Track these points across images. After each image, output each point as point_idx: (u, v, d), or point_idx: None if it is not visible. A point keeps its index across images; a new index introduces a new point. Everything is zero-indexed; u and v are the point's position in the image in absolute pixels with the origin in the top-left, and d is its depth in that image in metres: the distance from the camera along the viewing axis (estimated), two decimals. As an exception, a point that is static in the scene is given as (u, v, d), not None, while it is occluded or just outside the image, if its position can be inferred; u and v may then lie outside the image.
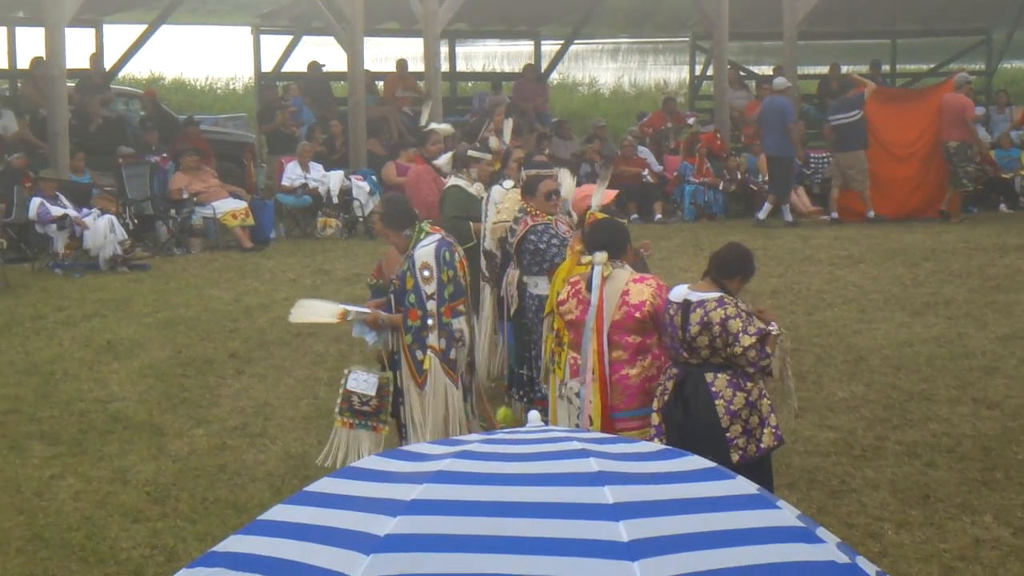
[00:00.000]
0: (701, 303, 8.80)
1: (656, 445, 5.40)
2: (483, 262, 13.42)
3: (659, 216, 25.27)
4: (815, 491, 10.79)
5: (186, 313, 17.40)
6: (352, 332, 10.64)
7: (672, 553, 4.59)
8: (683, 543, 4.64)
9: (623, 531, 4.60)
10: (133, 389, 13.97)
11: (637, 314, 9.17)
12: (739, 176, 26.10)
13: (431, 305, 10.07)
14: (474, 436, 5.39)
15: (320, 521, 4.77)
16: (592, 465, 4.89)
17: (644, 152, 26.58)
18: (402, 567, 4.51)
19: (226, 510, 10.54)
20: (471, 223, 13.78)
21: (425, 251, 10.15)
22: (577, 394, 9.37)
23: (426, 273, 10.08)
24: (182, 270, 20.61)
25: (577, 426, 9.13)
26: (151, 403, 13.50)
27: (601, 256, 9.22)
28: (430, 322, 10.07)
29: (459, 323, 10.27)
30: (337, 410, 10.48)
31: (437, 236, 10.31)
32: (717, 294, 8.86)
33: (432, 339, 10.10)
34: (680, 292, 8.97)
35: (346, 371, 10.54)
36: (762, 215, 24.45)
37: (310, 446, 11.86)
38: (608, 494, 4.73)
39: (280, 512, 4.99)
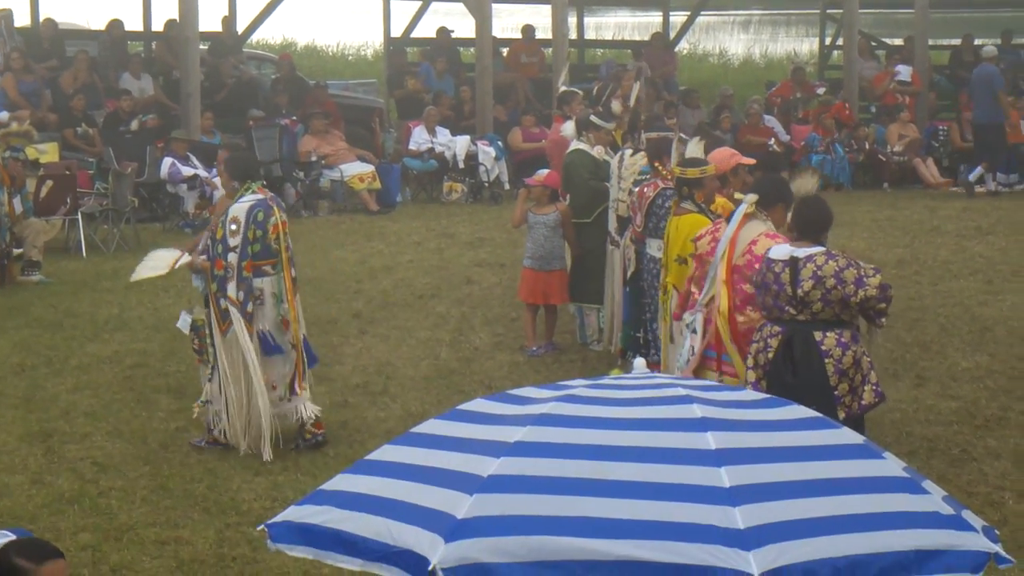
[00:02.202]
0: (810, 258, 8.81)
1: (760, 394, 5.41)
2: (611, 226, 13.43)
3: (786, 185, 25.01)
4: (935, 459, 10.71)
5: (312, 273, 17.54)
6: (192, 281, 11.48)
7: (773, 500, 4.61)
8: (785, 490, 4.66)
9: (725, 477, 4.63)
10: (257, 346, 14.14)
11: (756, 265, 9.27)
12: (867, 146, 25.84)
13: (231, 257, 10.69)
14: (579, 381, 5.43)
15: (425, 461, 4.85)
16: (696, 411, 4.92)
17: (771, 121, 26.38)
18: (505, 507, 4.57)
19: (345, 465, 10.58)
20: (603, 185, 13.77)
21: (239, 207, 10.78)
22: (690, 327, 9.54)
23: (233, 227, 10.71)
24: (309, 231, 20.78)
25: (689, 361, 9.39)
26: (275, 360, 13.65)
27: (751, 197, 9.48)
28: (229, 273, 10.69)
29: (261, 282, 10.82)
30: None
31: (259, 196, 10.88)
32: (821, 248, 8.91)
33: (231, 289, 10.74)
34: (784, 250, 8.99)
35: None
36: (972, 177, 24.25)
37: (430, 405, 11.95)
38: (711, 440, 4.76)
39: (387, 452, 5.07)
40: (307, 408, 11.12)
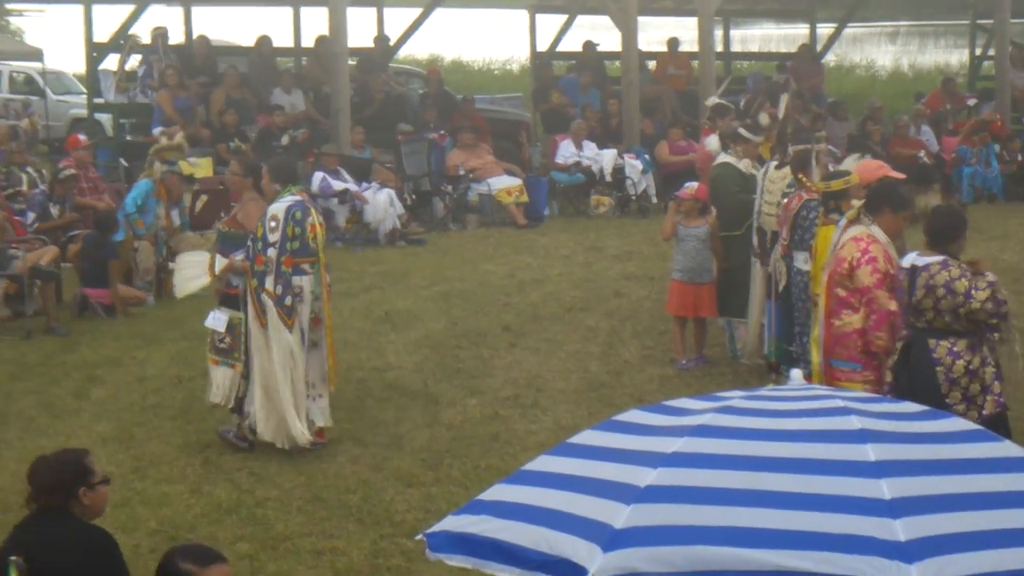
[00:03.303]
0: (926, 267, 8.98)
1: (919, 406, 5.37)
2: (755, 239, 13.38)
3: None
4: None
5: (461, 286, 17.68)
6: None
7: (935, 512, 4.57)
8: (947, 503, 4.62)
9: (885, 488, 4.60)
10: (409, 359, 14.27)
11: (839, 269, 9.60)
12: (1020, 158, 25.44)
13: (271, 252, 11.14)
14: (736, 392, 5.43)
15: (582, 472, 4.87)
16: (854, 423, 4.90)
17: (925, 133, 26.08)
18: (662, 518, 4.58)
19: (497, 478, 10.59)
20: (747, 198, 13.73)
21: (277, 206, 11.27)
22: None
23: (272, 224, 11.18)
24: (457, 245, 20.93)
25: None
26: (426, 373, 13.77)
27: (855, 203, 9.64)
28: (268, 267, 11.13)
29: (300, 280, 11.23)
30: (207, 348, 11.74)
31: (296, 198, 11.36)
32: (940, 257, 9.02)
33: (269, 283, 11.16)
34: (909, 258, 9.18)
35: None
36: None
37: (581, 418, 11.96)
38: (870, 452, 4.73)
39: (544, 463, 5.10)
40: (322, 415, 11.52)
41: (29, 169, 19.90)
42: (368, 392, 13.11)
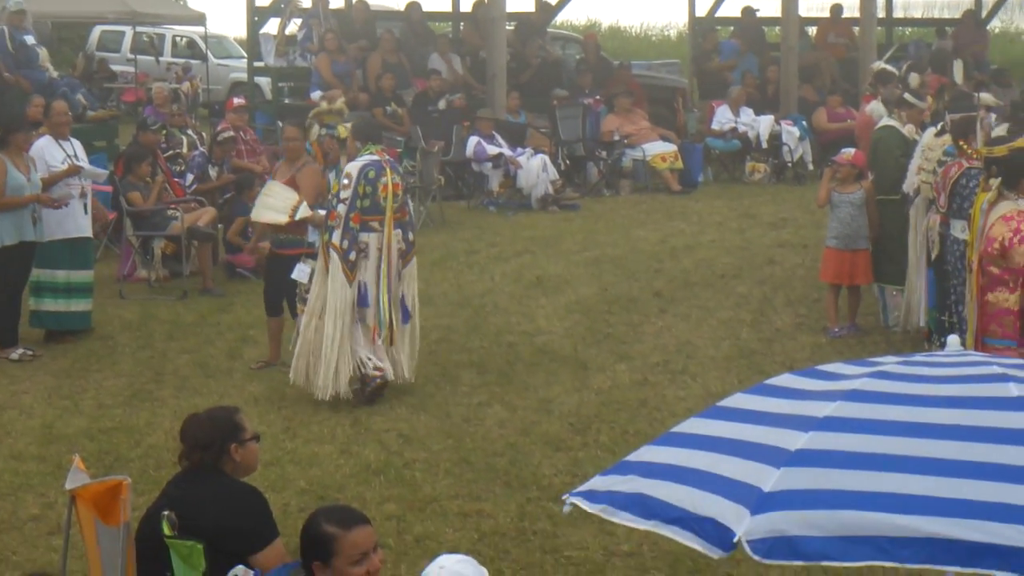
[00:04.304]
0: None
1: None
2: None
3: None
4: None
5: (613, 252, 17.62)
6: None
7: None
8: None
9: (1042, 457, 4.48)
10: (559, 324, 14.24)
11: (989, 248, 9.56)
12: None
13: (341, 208, 11.47)
14: (890, 357, 5.32)
15: (732, 434, 4.80)
16: (1011, 390, 4.77)
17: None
18: (813, 482, 4.50)
19: (645, 443, 10.56)
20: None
21: (353, 164, 11.64)
22: None
23: (345, 181, 11.54)
24: (610, 210, 20.86)
25: None
26: (576, 338, 13.73)
27: (994, 182, 9.46)
28: (338, 222, 11.46)
29: (367, 237, 11.53)
30: (296, 298, 12.20)
31: (374, 157, 11.67)
32: None
33: (336, 237, 11.52)
34: None
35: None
36: None
37: (731, 385, 11.83)
38: (1028, 419, 4.61)
39: (693, 425, 5.04)
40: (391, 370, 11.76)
41: (189, 131, 20.12)
42: (518, 356, 13.10)
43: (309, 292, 11.89)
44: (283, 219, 12.43)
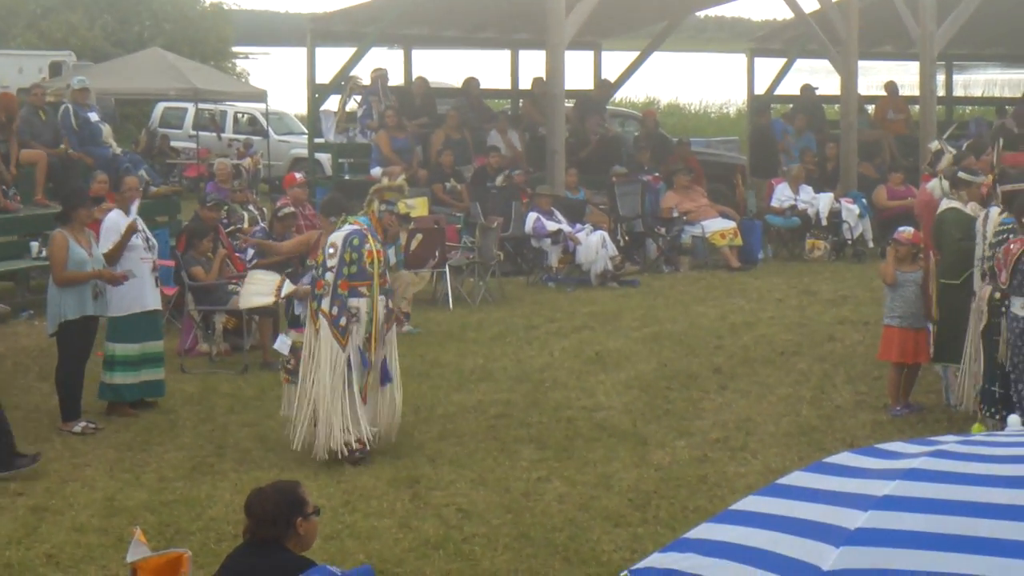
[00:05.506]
0: None
1: None
2: (976, 286, 13.08)
3: None
4: None
5: (672, 328, 17.62)
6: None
7: None
8: None
9: (1106, 539, 4.45)
10: (619, 399, 14.24)
11: None
12: None
13: (329, 276, 11.99)
14: (950, 436, 5.31)
15: (790, 512, 4.79)
16: (1075, 470, 4.75)
17: None
18: (872, 561, 4.49)
19: (705, 519, 10.56)
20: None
21: (337, 235, 12.17)
22: None
23: (331, 250, 12.07)
24: (670, 287, 20.88)
25: None
26: (635, 413, 13.73)
27: None
28: (326, 290, 11.97)
29: (357, 302, 12.03)
30: (280, 369, 12.96)
31: (354, 227, 12.19)
32: None
33: (325, 304, 12.00)
34: None
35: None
36: None
37: (791, 462, 11.80)
38: (1092, 501, 4.58)
39: (751, 503, 5.04)
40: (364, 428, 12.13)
41: (250, 207, 20.32)
42: (577, 431, 13.10)
43: (289, 362, 12.53)
44: (270, 300, 13.31)
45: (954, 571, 4.43)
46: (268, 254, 17.04)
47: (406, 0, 25.59)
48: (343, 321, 11.96)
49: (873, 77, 37.86)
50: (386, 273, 12.49)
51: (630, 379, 15.03)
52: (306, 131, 29.49)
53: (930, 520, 4.59)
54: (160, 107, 35.63)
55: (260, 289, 13.33)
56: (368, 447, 12.12)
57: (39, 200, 20.15)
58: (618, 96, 32.76)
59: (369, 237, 12.22)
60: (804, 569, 4.55)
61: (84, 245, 13.15)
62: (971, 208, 13.76)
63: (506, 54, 29.52)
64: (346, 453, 11.98)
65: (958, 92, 37.42)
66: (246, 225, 18.95)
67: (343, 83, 25.59)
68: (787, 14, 28.81)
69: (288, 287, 12.97)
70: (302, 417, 12.08)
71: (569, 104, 25.73)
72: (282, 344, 12.79)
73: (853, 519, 4.61)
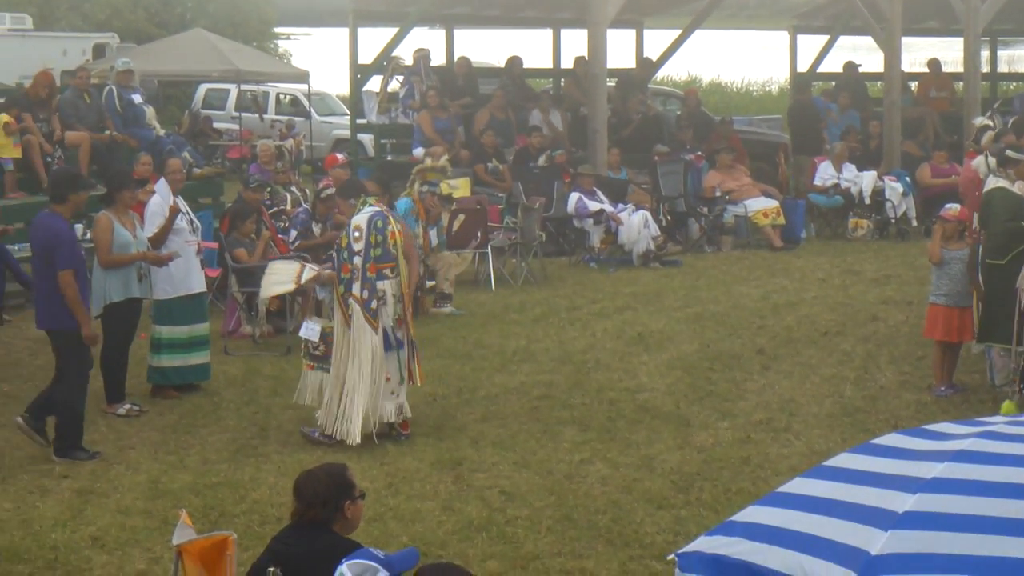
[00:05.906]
0: None
1: None
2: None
3: None
4: None
5: (715, 308, 17.57)
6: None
7: None
8: None
9: None
10: (661, 380, 14.21)
11: None
12: None
13: (356, 260, 12.02)
14: (999, 418, 5.27)
15: (837, 495, 4.76)
16: (1125, 451, 4.70)
17: None
18: (921, 545, 4.45)
19: (748, 501, 10.46)
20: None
21: (360, 217, 12.13)
22: None
23: (356, 234, 12.06)
24: (712, 267, 20.82)
25: None
26: (678, 395, 13.69)
27: None
28: (355, 275, 11.97)
29: (384, 284, 12.05)
30: (301, 354, 12.63)
31: (376, 208, 12.20)
32: None
33: (355, 288, 12.03)
34: None
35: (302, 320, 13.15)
36: None
37: (834, 443, 11.76)
38: None
39: (798, 485, 5.01)
40: (404, 408, 12.28)
41: (293, 188, 20.36)
42: (620, 413, 13.07)
43: (317, 348, 12.41)
44: (290, 287, 13.22)
45: (1005, 554, 4.39)
46: (309, 236, 17.09)
47: (447, -20, 25.57)
48: (374, 304, 11.98)
49: (916, 53, 37.63)
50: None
51: (672, 360, 15.00)
52: (348, 112, 29.51)
53: (979, 502, 4.55)
54: (203, 88, 35.70)
55: (280, 279, 13.24)
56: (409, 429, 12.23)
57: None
58: (660, 75, 32.60)
59: (390, 218, 12.23)
60: (853, 554, 4.52)
61: (128, 227, 13.17)
62: (1019, 187, 13.63)
63: (548, 33, 29.41)
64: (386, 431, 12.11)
65: (1002, 68, 37.11)
66: (289, 206, 18.98)
67: (385, 63, 25.56)
68: (829, -9, 28.65)
69: (309, 273, 12.87)
70: (337, 404, 12.06)
71: (611, 83, 25.63)
72: (310, 331, 12.62)
73: (902, 502, 4.58)
